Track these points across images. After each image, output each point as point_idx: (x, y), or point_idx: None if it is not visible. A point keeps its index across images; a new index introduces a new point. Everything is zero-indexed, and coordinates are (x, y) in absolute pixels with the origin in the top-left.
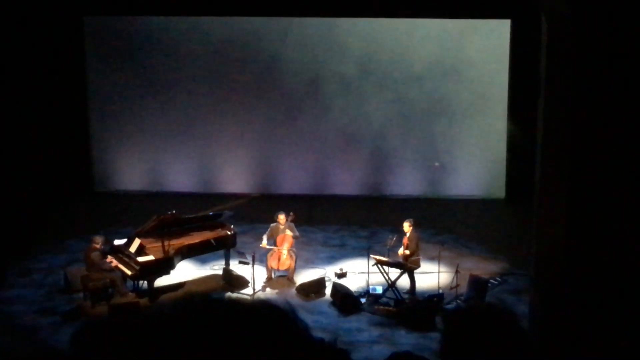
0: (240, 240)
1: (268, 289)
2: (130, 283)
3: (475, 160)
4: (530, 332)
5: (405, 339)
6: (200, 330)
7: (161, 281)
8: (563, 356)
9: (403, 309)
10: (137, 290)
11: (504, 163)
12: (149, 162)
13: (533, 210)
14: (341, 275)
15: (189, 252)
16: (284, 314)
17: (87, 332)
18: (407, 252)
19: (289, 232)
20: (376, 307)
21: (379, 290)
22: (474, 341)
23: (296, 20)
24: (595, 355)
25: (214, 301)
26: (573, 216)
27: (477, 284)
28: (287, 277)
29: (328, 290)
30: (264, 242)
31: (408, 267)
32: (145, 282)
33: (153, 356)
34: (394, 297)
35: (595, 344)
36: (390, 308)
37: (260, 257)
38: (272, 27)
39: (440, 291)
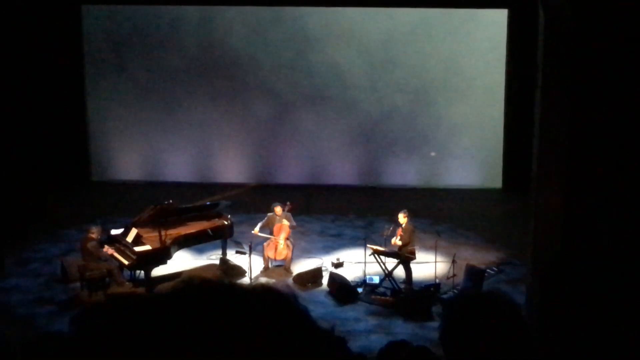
0: (237, 230)
1: (265, 279)
2: (127, 273)
3: (472, 150)
4: (528, 320)
5: (402, 328)
6: (200, 313)
7: (158, 271)
8: (561, 345)
9: (400, 298)
10: (134, 280)
11: (501, 152)
12: (146, 152)
13: (531, 199)
14: (338, 265)
15: (185, 242)
16: (284, 297)
17: (87, 314)
18: (399, 242)
19: (285, 222)
20: (373, 296)
21: (376, 280)
22: (475, 329)
23: (293, 10)
24: (593, 344)
25: (213, 284)
26: (571, 205)
27: (474, 274)
28: (284, 267)
29: (325, 280)
30: (257, 229)
31: (405, 257)
32: (142, 272)
33: (153, 338)
34: (391, 286)
35: (593, 331)
36: (387, 298)
37: (257, 247)
38: (265, 16)
39: (437, 281)
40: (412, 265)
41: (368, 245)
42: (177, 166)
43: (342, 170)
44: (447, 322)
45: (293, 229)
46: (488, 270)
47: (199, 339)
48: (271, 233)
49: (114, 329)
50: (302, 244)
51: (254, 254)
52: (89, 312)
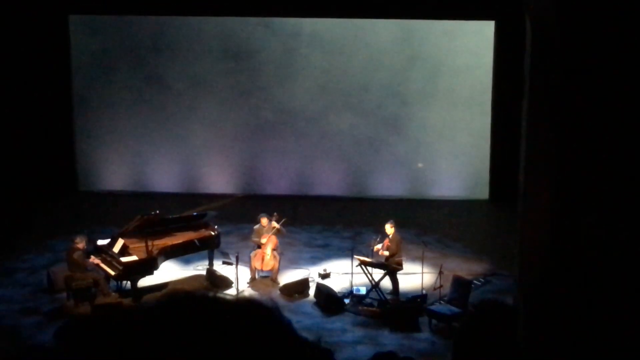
0: (224, 240)
1: (251, 290)
2: (113, 283)
3: (459, 161)
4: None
5: (389, 339)
6: (184, 326)
7: (144, 281)
8: (547, 357)
9: (386, 309)
10: (120, 290)
11: (488, 163)
12: (133, 162)
13: (517, 210)
14: (325, 275)
15: (172, 253)
16: (268, 311)
17: (72, 327)
18: (387, 253)
19: (275, 224)
20: (360, 307)
21: (363, 290)
22: (488, 339)
23: (279, 21)
24: (579, 356)
25: (197, 298)
26: (557, 216)
27: (461, 285)
28: (270, 278)
29: (312, 291)
30: (258, 240)
31: (391, 268)
32: (129, 282)
33: (137, 352)
34: (378, 297)
35: (579, 344)
36: (374, 309)
37: (244, 258)
38: (257, 28)
39: (424, 292)
40: (399, 276)
41: (355, 256)
42: (164, 176)
43: (329, 181)
44: (462, 340)
45: (282, 235)
46: (475, 281)
47: (184, 351)
48: (258, 245)
49: (98, 342)
50: (289, 254)
51: (241, 265)
52: (73, 325)
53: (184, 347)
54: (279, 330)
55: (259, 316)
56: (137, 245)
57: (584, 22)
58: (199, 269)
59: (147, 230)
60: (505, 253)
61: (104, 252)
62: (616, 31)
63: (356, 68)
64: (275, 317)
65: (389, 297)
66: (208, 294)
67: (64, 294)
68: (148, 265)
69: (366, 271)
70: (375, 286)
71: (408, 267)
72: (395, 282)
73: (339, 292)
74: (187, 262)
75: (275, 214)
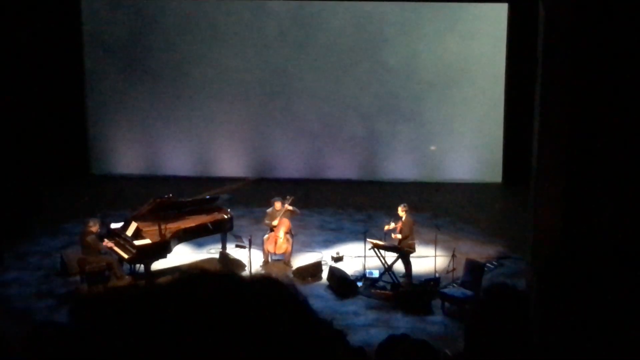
0: (237, 224)
1: (264, 273)
2: (126, 266)
3: (472, 144)
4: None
5: (402, 322)
6: (199, 302)
7: (158, 265)
8: (559, 339)
9: (399, 292)
10: (133, 273)
11: (501, 146)
12: (146, 145)
13: (530, 193)
14: (338, 259)
15: (185, 236)
16: (285, 287)
17: (86, 304)
18: (399, 236)
19: (287, 206)
20: (373, 290)
21: (376, 274)
22: (499, 324)
23: (288, 4)
24: (592, 339)
25: (213, 274)
26: (569, 199)
27: (474, 268)
28: (283, 261)
29: (325, 274)
30: (270, 223)
31: (404, 251)
32: (142, 265)
33: (152, 328)
34: (391, 280)
35: (591, 326)
36: (387, 292)
37: (257, 241)
38: (268, 10)
39: (437, 275)
40: (412, 259)
41: (368, 240)
42: (177, 160)
43: (341, 164)
44: (476, 316)
45: (296, 214)
46: (487, 264)
47: (199, 328)
48: (271, 228)
49: (113, 319)
50: (301, 238)
51: (254, 248)
52: (88, 302)
53: (199, 322)
54: (294, 306)
55: (274, 292)
56: (150, 228)
57: (595, 5)
58: (212, 252)
59: (160, 213)
60: (518, 236)
61: (118, 236)
62: (628, 15)
63: (368, 52)
64: (291, 293)
65: (401, 280)
66: (223, 272)
67: (78, 277)
68: (161, 249)
69: (379, 254)
70: (388, 269)
71: (421, 250)
72: (408, 265)
73: (352, 275)
74: (200, 245)
75: (288, 197)
